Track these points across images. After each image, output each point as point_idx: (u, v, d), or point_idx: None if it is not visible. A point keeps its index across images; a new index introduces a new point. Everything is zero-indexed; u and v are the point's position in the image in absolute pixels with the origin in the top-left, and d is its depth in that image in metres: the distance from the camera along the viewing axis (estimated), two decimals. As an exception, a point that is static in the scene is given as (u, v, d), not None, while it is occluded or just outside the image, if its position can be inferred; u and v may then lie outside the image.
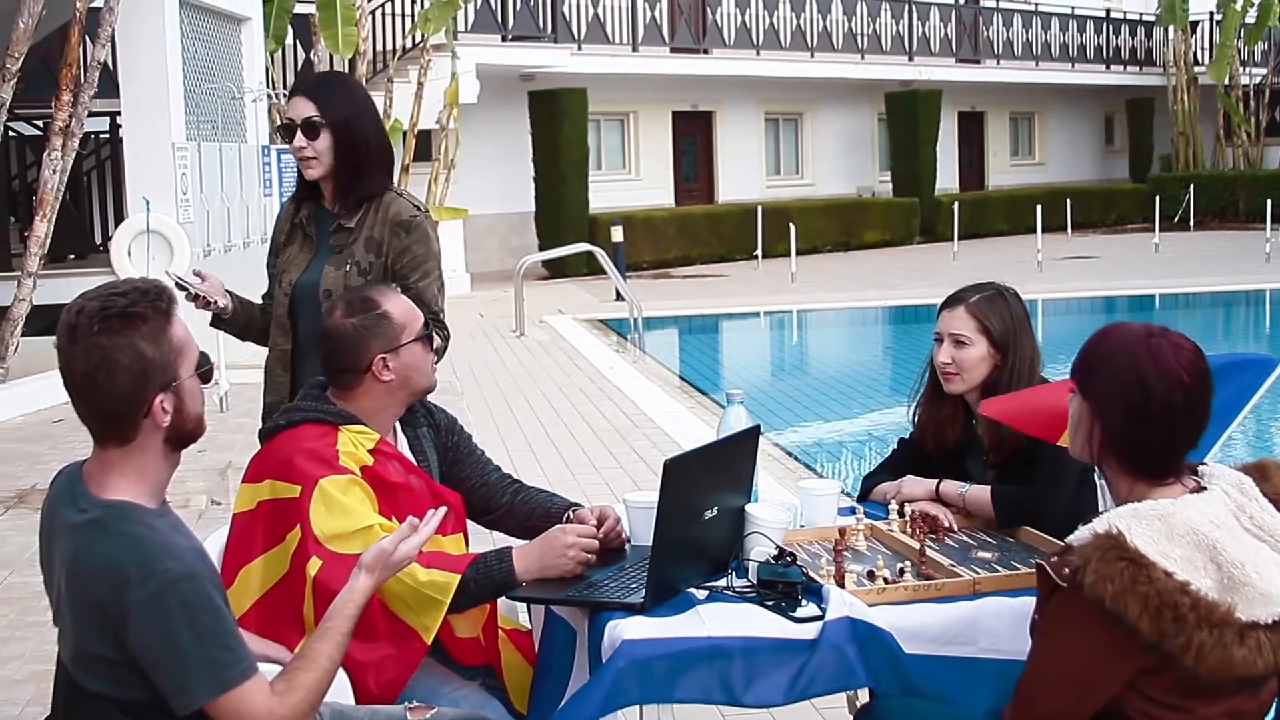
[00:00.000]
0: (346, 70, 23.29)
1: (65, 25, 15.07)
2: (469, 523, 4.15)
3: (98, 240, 18.42)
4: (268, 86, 19.87)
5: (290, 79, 23.62)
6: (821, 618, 3.40)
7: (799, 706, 3.65)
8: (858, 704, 4.41)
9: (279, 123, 4.96)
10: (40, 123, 17.34)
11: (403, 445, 4.08)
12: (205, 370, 3.13)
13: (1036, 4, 41.06)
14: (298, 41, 23.87)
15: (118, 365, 2.95)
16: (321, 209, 4.78)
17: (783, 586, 3.51)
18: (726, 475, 3.75)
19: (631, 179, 32.65)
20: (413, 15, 25.30)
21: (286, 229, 4.84)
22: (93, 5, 14.74)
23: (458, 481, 4.18)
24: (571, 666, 3.69)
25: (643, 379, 14.68)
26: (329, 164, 4.67)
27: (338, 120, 4.65)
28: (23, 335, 13.98)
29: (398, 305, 4.00)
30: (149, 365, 2.97)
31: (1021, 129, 43.12)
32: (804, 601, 3.48)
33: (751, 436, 3.88)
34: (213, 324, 4.87)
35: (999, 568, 3.79)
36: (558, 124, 27.67)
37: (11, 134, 16.35)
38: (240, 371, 12.94)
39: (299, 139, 4.64)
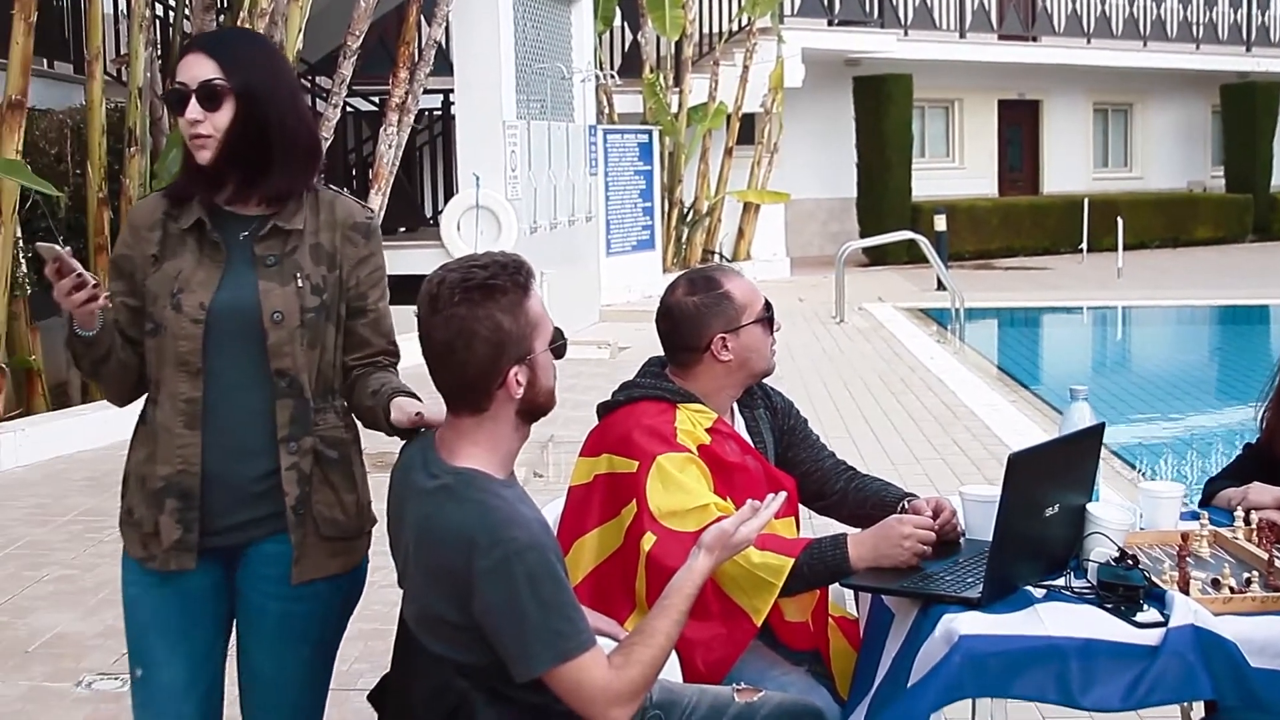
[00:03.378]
0: (674, 52, 23.49)
1: (403, 5, 15.51)
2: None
3: (428, 214, 18.88)
4: (595, 67, 20.13)
5: (618, 60, 23.90)
6: (1164, 624, 3.29)
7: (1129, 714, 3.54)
8: (1193, 716, 4.28)
9: (168, 89, 3.68)
10: (376, 99, 17.82)
11: (739, 426, 4.07)
12: (559, 345, 3.19)
13: (1388, -8, 39.44)
14: (626, 23, 24.13)
15: (476, 336, 3.04)
16: (222, 209, 3.58)
17: (1124, 590, 3.40)
18: (1069, 472, 3.66)
19: (955, 167, 32.32)
20: (740, -1, 25.39)
21: (157, 237, 3.57)
22: (431, -15, 15.12)
23: (792, 465, 4.16)
24: (881, 652, 3.64)
25: (963, 370, 14.50)
26: (224, 146, 3.51)
27: (245, 88, 3.50)
28: (356, 305, 14.40)
29: (740, 286, 3.99)
30: (506, 337, 3.05)
31: (1366, 123, 41.42)
32: (1146, 606, 3.37)
33: (1096, 434, 3.77)
34: (69, 344, 3.56)
35: (1354, 581, 3.63)
36: (882, 110, 27.54)
37: (349, 110, 16.84)
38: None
39: (193, 109, 3.47)
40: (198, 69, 3.48)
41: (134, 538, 3.58)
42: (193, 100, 3.46)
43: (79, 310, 3.35)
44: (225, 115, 3.47)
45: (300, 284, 3.50)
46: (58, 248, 3.19)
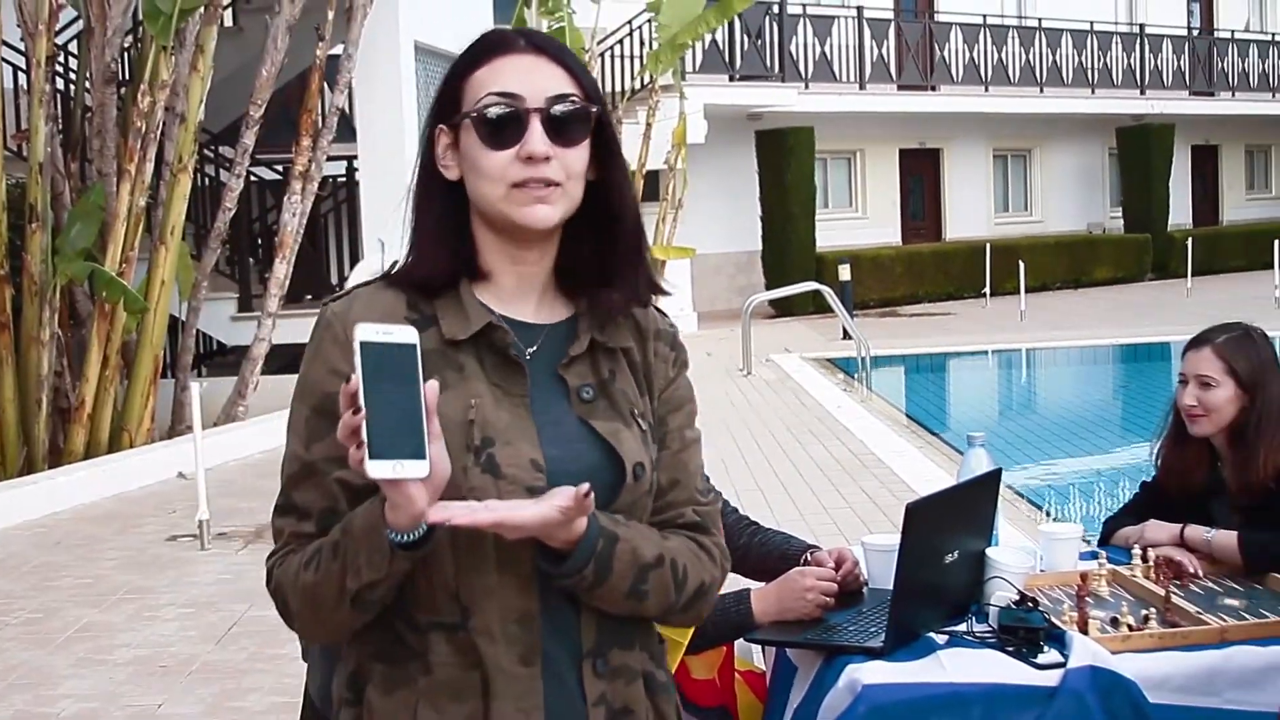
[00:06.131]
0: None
1: (305, 73, 15.51)
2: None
3: (334, 281, 18.84)
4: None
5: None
6: (1064, 664, 3.35)
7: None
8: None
9: (489, 106, 2.19)
10: (280, 167, 17.80)
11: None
12: None
13: (1273, 34, 40.15)
14: (528, 84, 24.17)
15: None
16: (492, 312, 2.27)
17: (1024, 632, 3.46)
18: (967, 519, 3.72)
19: (858, 217, 32.55)
20: (641, 56, 25.50)
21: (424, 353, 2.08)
22: (332, 53, 15.15)
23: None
24: (786, 706, 3.66)
25: (871, 418, 14.59)
26: (575, 200, 2.26)
27: (603, 116, 2.29)
28: (262, 374, 14.38)
29: None
30: None
31: (1257, 162, 42.10)
32: (1046, 648, 3.43)
33: (993, 480, 3.84)
34: (405, 547, 2.05)
35: (1247, 615, 3.70)
36: (785, 163, 27.71)
37: (253, 179, 16.81)
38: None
39: (537, 138, 2.19)
40: (544, 77, 2.24)
41: None
42: (536, 124, 2.20)
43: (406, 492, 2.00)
44: (583, 155, 2.25)
45: (643, 426, 2.31)
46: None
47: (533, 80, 2.21)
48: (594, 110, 2.24)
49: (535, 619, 2.18)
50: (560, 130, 2.20)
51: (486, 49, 2.26)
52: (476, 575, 2.17)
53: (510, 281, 2.29)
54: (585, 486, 2.05)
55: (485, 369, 2.22)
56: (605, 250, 2.31)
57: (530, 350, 2.26)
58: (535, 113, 2.19)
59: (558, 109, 2.20)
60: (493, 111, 2.20)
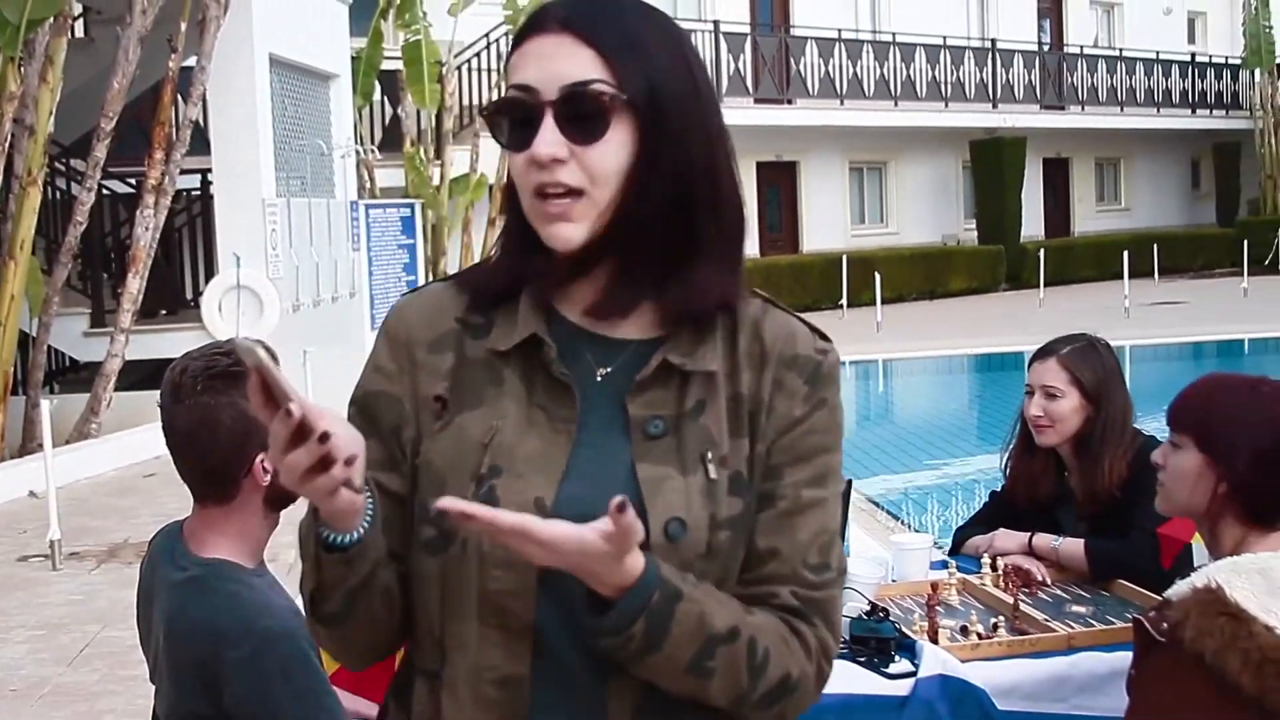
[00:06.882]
0: (434, 125, 23.47)
1: (158, 85, 15.33)
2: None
3: (189, 296, 18.60)
4: (355, 143, 20.08)
5: (379, 135, 23.80)
6: (915, 674, 3.39)
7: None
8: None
9: (499, 100, 1.90)
10: (133, 181, 17.55)
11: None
12: None
13: (1120, 49, 40.89)
14: (385, 97, 24.08)
15: (220, 424, 2.91)
16: (567, 321, 1.97)
17: (875, 642, 3.50)
18: (818, 530, 3.74)
19: (716, 229, 32.62)
20: (499, 69, 25.48)
21: (448, 364, 1.97)
22: (185, 65, 14.99)
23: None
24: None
25: (730, 430, 14.60)
26: (609, 215, 1.89)
27: (652, 102, 1.89)
28: (115, 390, 14.17)
29: None
30: (251, 424, 2.88)
31: (1107, 174, 42.83)
32: (897, 657, 3.47)
33: (843, 492, 3.87)
34: (313, 564, 1.84)
35: (1094, 622, 3.77)
36: (642, 175, 27.74)
37: (105, 192, 16.56)
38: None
39: (549, 138, 1.85)
40: (563, 62, 1.87)
41: None
42: (549, 119, 1.86)
43: (326, 498, 1.73)
44: (609, 152, 1.87)
45: (712, 474, 1.88)
46: (259, 351, 1.66)
47: (550, 66, 1.85)
48: (611, 98, 1.84)
49: (523, 685, 1.85)
50: (577, 125, 1.84)
51: (524, 28, 1.93)
52: (458, 621, 1.87)
53: (588, 291, 1.94)
54: (620, 498, 1.65)
55: (532, 388, 1.91)
56: (700, 254, 1.96)
57: (604, 371, 1.92)
58: (547, 106, 1.84)
59: (576, 98, 1.84)
60: (508, 108, 1.89)
